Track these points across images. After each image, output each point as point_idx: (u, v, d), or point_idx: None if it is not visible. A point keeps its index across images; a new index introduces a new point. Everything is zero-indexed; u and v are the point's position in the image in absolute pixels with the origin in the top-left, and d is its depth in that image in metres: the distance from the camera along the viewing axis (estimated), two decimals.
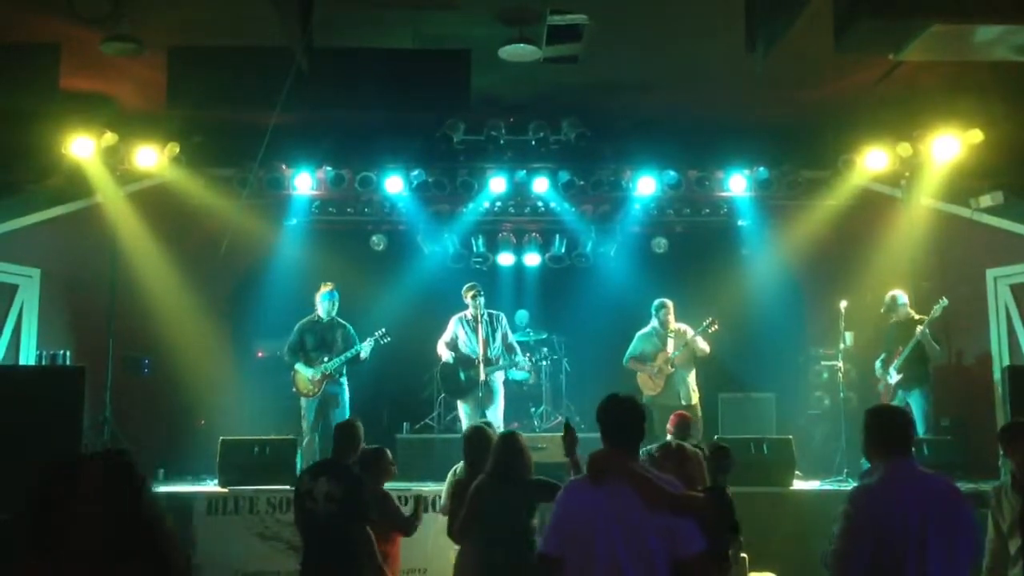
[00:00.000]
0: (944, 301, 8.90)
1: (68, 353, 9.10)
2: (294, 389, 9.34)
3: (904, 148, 9.67)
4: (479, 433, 5.83)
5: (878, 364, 9.25)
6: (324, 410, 9.26)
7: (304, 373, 9.25)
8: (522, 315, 11.41)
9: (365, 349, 9.22)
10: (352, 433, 5.79)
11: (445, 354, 9.43)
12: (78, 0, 6.77)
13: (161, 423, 10.24)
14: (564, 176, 10.55)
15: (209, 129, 10.07)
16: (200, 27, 7.52)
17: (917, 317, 9.12)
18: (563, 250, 11.49)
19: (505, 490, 5.18)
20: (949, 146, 9.24)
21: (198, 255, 10.64)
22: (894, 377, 9.04)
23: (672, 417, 7.20)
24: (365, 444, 5.96)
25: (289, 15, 6.46)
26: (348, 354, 9.24)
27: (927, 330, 8.91)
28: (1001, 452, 5.33)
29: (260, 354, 11.23)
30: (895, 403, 8.90)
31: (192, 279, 10.50)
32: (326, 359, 9.25)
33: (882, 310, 9.34)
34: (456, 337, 9.48)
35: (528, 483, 5.22)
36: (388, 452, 6.11)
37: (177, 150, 9.92)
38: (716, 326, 9.41)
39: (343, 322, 9.48)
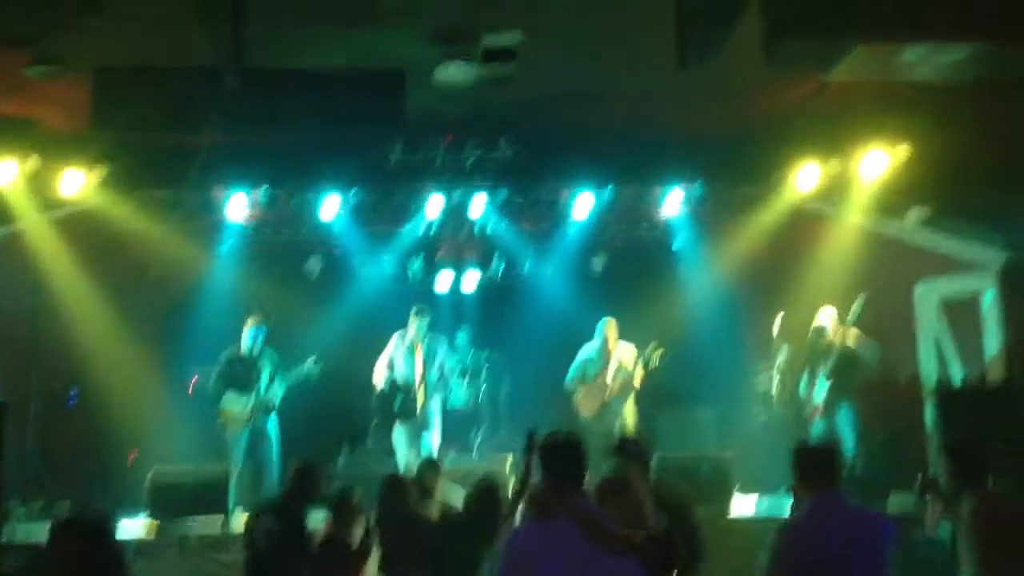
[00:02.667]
0: (862, 296, 8.97)
1: None
2: (221, 421, 9.11)
3: (835, 164, 9.80)
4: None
5: (802, 385, 9.28)
6: (253, 443, 9.07)
7: (234, 405, 9.03)
8: (463, 335, 11.32)
9: (296, 377, 9.09)
10: (307, 477, 5.65)
11: (381, 376, 9.26)
12: (3, 19, 6.57)
13: (90, 455, 9.91)
14: (502, 195, 10.52)
15: (140, 150, 9.81)
16: (127, 47, 7.35)
17: (848, 333, 9.18)
18: (502, 269, 11.47)
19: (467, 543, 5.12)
20: (878, 162, 9.38)
21: (127, 281, 10.40)
22: (822, 391, 9.06)
23: None
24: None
25: (219, 35, 6.34)
26: (278, 383, 9.11)
27: (855, 330, 8.96)
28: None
29: (193, 380, 10.93)
30: (823, 420, 8.97)
31: (121, 306, 10.24)
32: (254, 390, 9.08)
33: (813, 325, 9.40)
34: (393, 359, 9.33)
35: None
36: (355, 492, 5.66)
37: (105, 172, 9.64)
38: (661, 350, 9.40)
39: (270, 353, 9.33)
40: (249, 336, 9.22)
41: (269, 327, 9.40)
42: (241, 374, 9.16)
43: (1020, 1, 5.52)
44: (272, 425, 9.17)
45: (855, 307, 9.03)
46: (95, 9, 5.29)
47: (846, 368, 9.05)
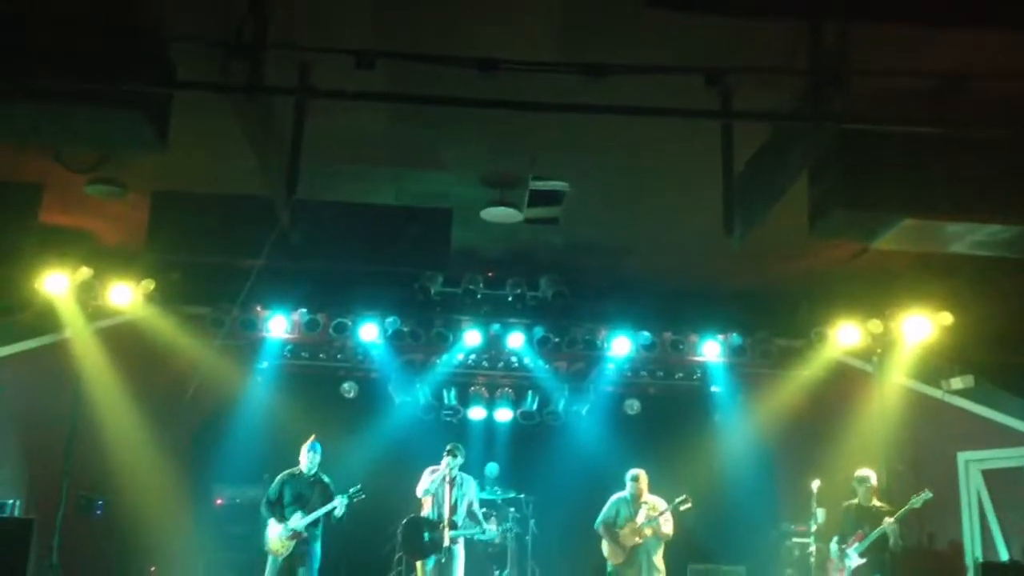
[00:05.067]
0: (928, 494, 8.62)
1: (18, 503, 8.76)
2: (266, 548, 8.74)
3: (875, 325, 9.76)
4: None
5: (833, 545, 8.94)
6: (291, 569, 8.69)
7: (276, 530, 8.71)
8: (492, 468, 11.19)
9: (340, 507, 8.74)
10: None
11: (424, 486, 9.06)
12: (65, 152, 6.83)
13: (110, 569, 9.84)
14: (539, 332, 10.55)
15: (186, 267, 10.05)
16: (184, 173, 7.57)
17: (879, 505, 8.89)
18: (535, 407, 11.41)
19: None
20: (920, 326, 9.33)
21: (164, 394, 10.48)
22: (854, 560, 8.72)
23: None
24: None
25: (273, 168, 6.52)
26: (319, 512, 8.72)
27: (897, 526, 8.65)
28: None
29: (219, 501, 10.87)
30: None
31: (156, 419, 10.28)
32: (299, 516, 8.72)
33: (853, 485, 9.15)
34: (428, 490, 9.13)
35: None
36: None
37: (152, 287, 9.85)
38: (689, 504, 9.15)
39: (325, 478, 8.99)
40: (309, 451, 8.93)
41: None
42: (294, 494, 8.84)
43: None
44: (314, 549, 8.80)
45: (915, 501, 8.66)
46: (160, 145, 5.45)
47: (880, 548, 8.72)
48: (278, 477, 9.01)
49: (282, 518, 8.75)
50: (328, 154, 6.94)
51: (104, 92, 5.05)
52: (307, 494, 8.86)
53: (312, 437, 9.07)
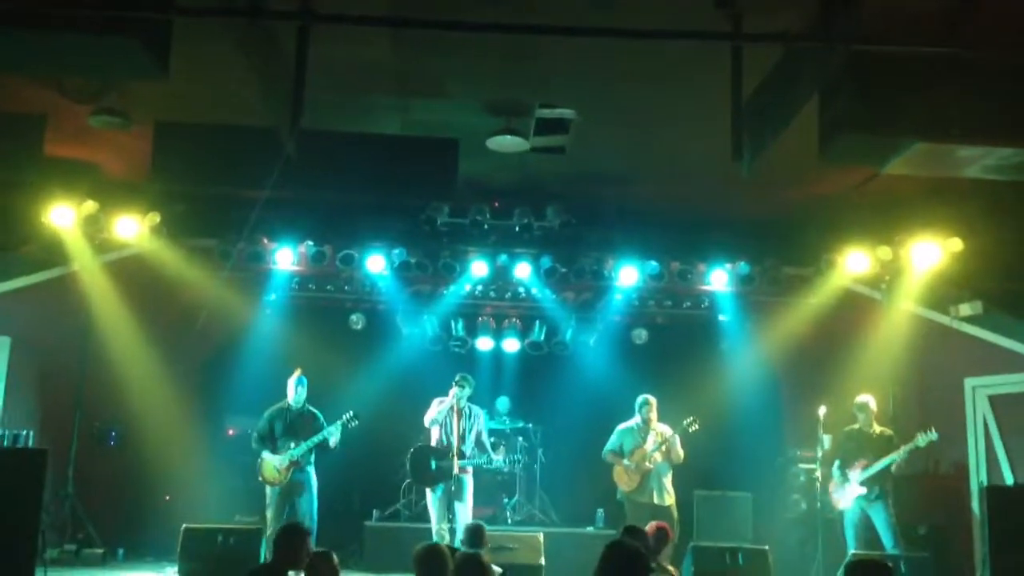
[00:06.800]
0: (934, 435, 8.55)
1: (31, 434, 8.86)
2: (260, 478, 8.90)
3: (884, 252, 9.72)
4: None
5: (835, 470, 8.98)
6: (290, 498, 8.85)
7: (271, 461, 8.84)
8: (503, 401, 11.26)
9: (333, 434, 8.87)
10: (294, 540, 5.46)
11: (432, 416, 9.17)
12: (67, 81, 6.77)
13: (125, 498, 10.03)
14: (546, 262, 10.51)
15: (191, 199, 10.01)
16: (187, 104, 7.52)
17: (881, 430, 8.92)
18: (542, 337, 11.40)
19: None
20: (929, 253, 9.30)
21: (173, 326, 10.51)
22: (855, 488, 8.76)
23: (649, 527, 7.05)
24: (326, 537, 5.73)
25: (277, 98, 6.46)
26: (314, 440, 8.85)
27: (907, 455, 8.65)
28: None
29: (231, 431, 11.00)
30: (850, 512, 8.80)
31: (165, 351, 10.32)
32: (292, 446, 8.84)
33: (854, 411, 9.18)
34: (435, 421, 9.22)
35: None
36: (333, 557, 5.42)
37: (158, 219, 9.82)
38: (697, 426, 9.16)
39: (313, 410, 9.10)
40: (296, 385, 8.99)
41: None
42: (285, 427, 8.95)
43: None
44: (311, 476, 8.97)
45: (920, 440, 8.58)
46: (160, 73, 5.39)
47: (881, 476, 8.77)
48: (266, 412, 9.08)
49: (276, 450, 8.87)
50: (332, 83, 6.86)
51: (102, 19, 5.00)
52: (297, 426, 8.96)
53: (298, 371, 9.10)
